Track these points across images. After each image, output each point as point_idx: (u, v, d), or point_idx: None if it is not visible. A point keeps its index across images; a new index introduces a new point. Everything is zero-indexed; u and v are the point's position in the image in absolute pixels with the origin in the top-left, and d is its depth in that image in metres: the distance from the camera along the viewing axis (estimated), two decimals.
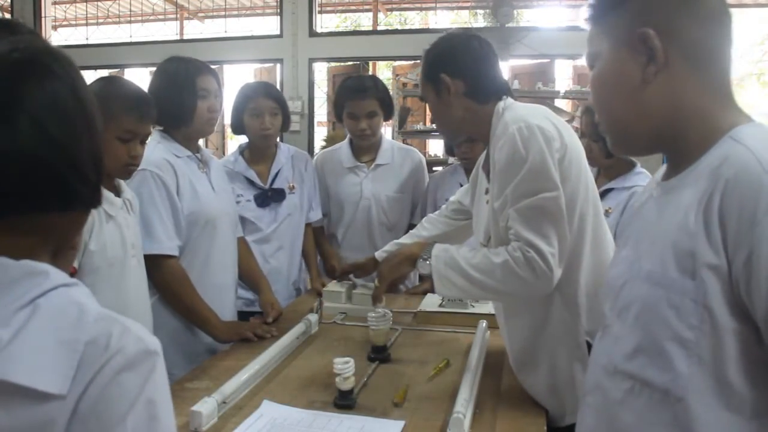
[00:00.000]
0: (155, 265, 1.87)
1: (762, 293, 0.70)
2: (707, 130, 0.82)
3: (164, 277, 1.90)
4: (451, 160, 3.11)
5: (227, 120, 2.52)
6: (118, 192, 1.67)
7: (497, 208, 1.45)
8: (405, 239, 2.03)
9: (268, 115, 2.37)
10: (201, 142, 2.30)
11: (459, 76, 1.53)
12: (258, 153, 2.47)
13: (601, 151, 2.32)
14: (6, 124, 0.58)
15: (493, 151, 1.48)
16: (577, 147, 1.47)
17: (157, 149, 1.97)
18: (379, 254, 2.04)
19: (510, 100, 1.55)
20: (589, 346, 1.45)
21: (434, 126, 4.67)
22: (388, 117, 2.63)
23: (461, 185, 2.57)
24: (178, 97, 1.96)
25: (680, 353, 0.77)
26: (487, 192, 1.57)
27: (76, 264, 1.46)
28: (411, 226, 2.68)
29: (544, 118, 1.45)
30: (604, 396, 0.89)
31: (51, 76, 0.62)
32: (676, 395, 0.78)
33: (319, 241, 2.62)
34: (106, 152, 1.53)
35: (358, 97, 2.45)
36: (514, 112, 1.47)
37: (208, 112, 2.01)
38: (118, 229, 1.61)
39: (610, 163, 2.37)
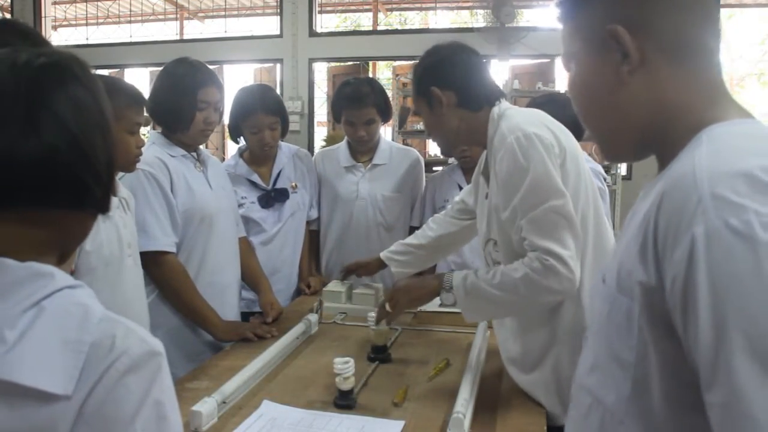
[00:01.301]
0: (153, 262, 1.88)
1: (679, 317, 0.63)
2: (689, 128, 0.73)
3: (163, 273, 1.90)
4: (450, 160, 3.10)
5: (227, 120, 2.49)
6: (114, 191, 1.67)
7: (505, 219, 1.44)
8: (412, 240, 2.02)
9: (267, 131, 2.34)
10: None
11: (449, 87, 1.54)
12: (259, 155, 2.47)
13: None
14: (30, 122, 0.62)
15: (492, 159, 1.49)
16: (574, 149, 1.48)
17: (150, 149, 1.98)
18: (384, 255, 2.03)
19: (505, 104, 1.56)
20: None
21: None
22: (386, 120, 2.63)
23: (459, 186, 2.57)
24: (178, 104, 1.96)
25: (621, 375, 0.72)
26: (486, 197, 1.58)
27: (72, 265, 1.47)
28: (411, 228, 2.68)
29: (541, 124, 1.45)
30: (576, 408, 0.86)
31: (74, 80, 0.66)
32: (618, 418, 0.73)
33: (310, 248, 2.62)
34: (118, 148, 1.61)
35: (355, 106, 2.44)
36: (510, 121, 1.47)
37: (203, 124, 2.01)
38: (115, 228, 1.61)
39: None
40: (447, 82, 1.54)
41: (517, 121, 1.45)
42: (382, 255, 2.04)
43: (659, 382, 0.68)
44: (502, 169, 1.43)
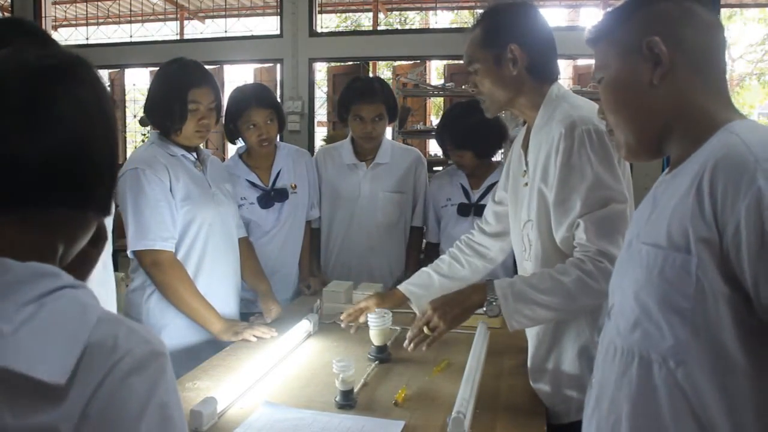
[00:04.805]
0: (152, 261, 1.88)
1: (750, 262, 0.77)
2: (707, 126, 0.90)
3: (162, 272, 1.90)
4: (450, 160, 3.10)
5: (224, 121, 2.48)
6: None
7: (557, 211, 1.40)
8: (442, 271, 1.83)
9: (263, 125, 2.34)
10: None
11: (527, 48, 1.46)
12: (258, 155, 2.47)
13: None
14: (35, 123, 0.62)
15: (543, 137, 1.45)
16: None
17: (150, 149, 1.99)
18: (405, 288, 1.82)
19: (563, 86, 1.53)
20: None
21: (434, 126, 4.66)
22: (392, 120, 2.63)
23: (462, 185, 2.57)
24: (169, 104, 1.95)
25: (678, 321, 0.84)
26: (524, 174, 1.54)
27: (90, 272, 1.44)
28: (413, 229, 2.68)
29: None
30: (607, 370, 0.95)
31: (79, 82, 0.66)
32: (677, 360, 0.84)
33: (311, 248, 2.61)
34: None
35: (365, 100, 2.45)
36: (578, 110, 1.41)
37: (197, 125, 1.99)
38: None
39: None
40: (528, 43, 1.46)
41: (587, 114, 1.40)
42: (403, 289, 1.83)
43: (729, 325, 0.80)
44: (565, 158, 1.37)
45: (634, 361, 0.90)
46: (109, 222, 1.67)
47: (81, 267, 0.71)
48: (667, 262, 0.85)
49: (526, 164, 1.54)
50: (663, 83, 0.93)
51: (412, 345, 1.52)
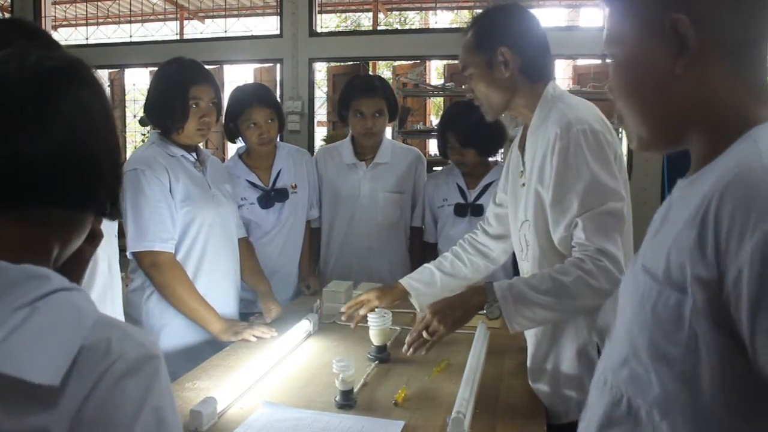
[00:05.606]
0: (152, 262, 1.88)
1: (748, 318, 0.62)
2: (735, 126, 0.73)
3: (161, 273, 1.90)
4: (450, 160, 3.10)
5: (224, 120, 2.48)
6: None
7: (555, 211, 1.40)
8: (445, 269, 1.82)
9: (264, 124, 2.35)
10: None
11: (518, 51, 1.47)
12: (258, 155, 2.47)
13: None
14: (39, 123, 0.63)
15: (539, 138, 1.45)
16: (619, 148, 1.46)
17: (150, 149, 1.99)
18: (407, 283, 1.81)
19: (558, 86, 1.53)
20: (598, 349, 1.47)
21: (434, 126, 4.67)
22: (392, 118, 2.64)
23: (458, 186, 2.57)
24: (170, 102, 1.95)
25: (666, 370, 0.70)
26: (522, 175, 1.55)
27: (84, 274, 1.42)
28: (413, 229, 2.68)
29: (602, 121, 1.42)
30: (599, 399, 0.84)
31: (82, 84, 0.67)
32: (661, 412, 0.72)
33: (310, 248, 2.61)
34: None
35: (366, 95, 2.47)
36: (573, 110, 1.42)
37: (199, 122, 1.99)
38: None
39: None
40: (518, 45, 1.47)
41: (582, 115, 1.40)
42: (406, 284, 1.81)
43: (710, 380, 0.67)
44: (564, 158, 1.37)
45: (622, 401, 0.77)
46: (114, 224, 1.68)
47: (75, 266, 0.71)
48: (661, 298, 0.70)
49: (523, 165, 1.54)
50: (688, 72, 0.74)
51: (411, 349, 1.51)
